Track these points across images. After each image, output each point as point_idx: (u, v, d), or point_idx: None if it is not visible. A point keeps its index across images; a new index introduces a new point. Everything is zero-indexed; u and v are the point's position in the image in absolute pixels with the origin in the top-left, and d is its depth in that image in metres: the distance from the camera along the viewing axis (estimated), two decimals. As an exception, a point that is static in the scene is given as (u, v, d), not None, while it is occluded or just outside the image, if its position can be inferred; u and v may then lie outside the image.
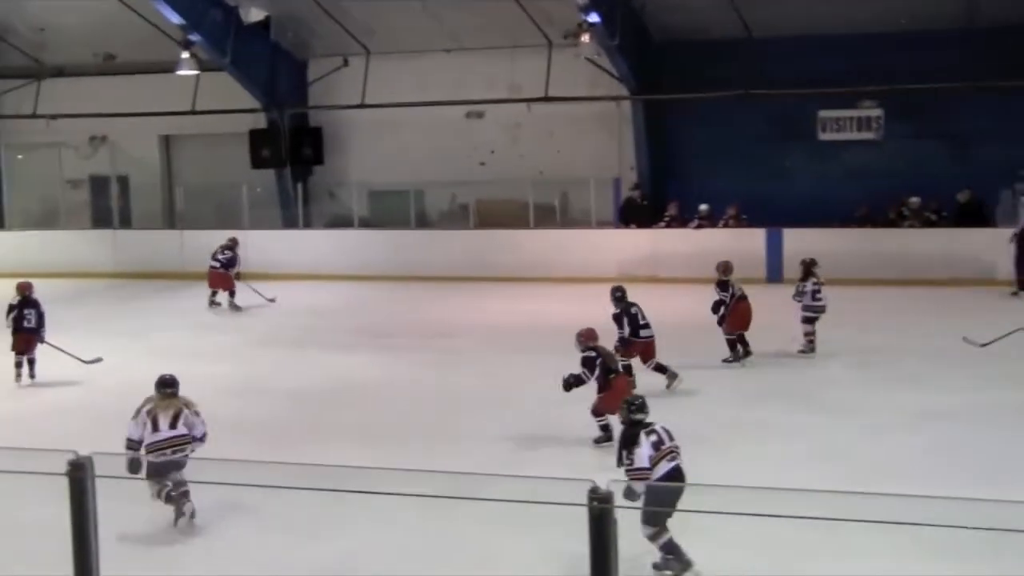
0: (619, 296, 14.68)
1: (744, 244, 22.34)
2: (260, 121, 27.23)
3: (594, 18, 22.25)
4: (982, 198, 22.68)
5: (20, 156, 29.52)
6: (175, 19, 24.25)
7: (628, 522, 5.16)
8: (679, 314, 19.13)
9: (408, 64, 26.34)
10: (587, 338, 12.28)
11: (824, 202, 23.04)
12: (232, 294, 21.70)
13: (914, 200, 22.70)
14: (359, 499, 8.34)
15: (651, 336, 14.51)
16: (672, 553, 8.43)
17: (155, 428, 9.86)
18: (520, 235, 24.70)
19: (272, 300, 21.48)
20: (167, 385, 10.19)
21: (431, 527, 8.90)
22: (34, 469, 10.85)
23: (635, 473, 8.50)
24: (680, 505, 8.12)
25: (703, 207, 23.64)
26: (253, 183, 27.06)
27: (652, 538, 8.36)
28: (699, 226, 23.51)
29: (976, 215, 22.58)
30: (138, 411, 9.99)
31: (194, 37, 24.61)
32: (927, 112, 23.62)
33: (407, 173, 26.47)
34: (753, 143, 24.85)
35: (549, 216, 25.55)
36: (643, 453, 8.56)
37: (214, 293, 21.86)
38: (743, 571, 8.35)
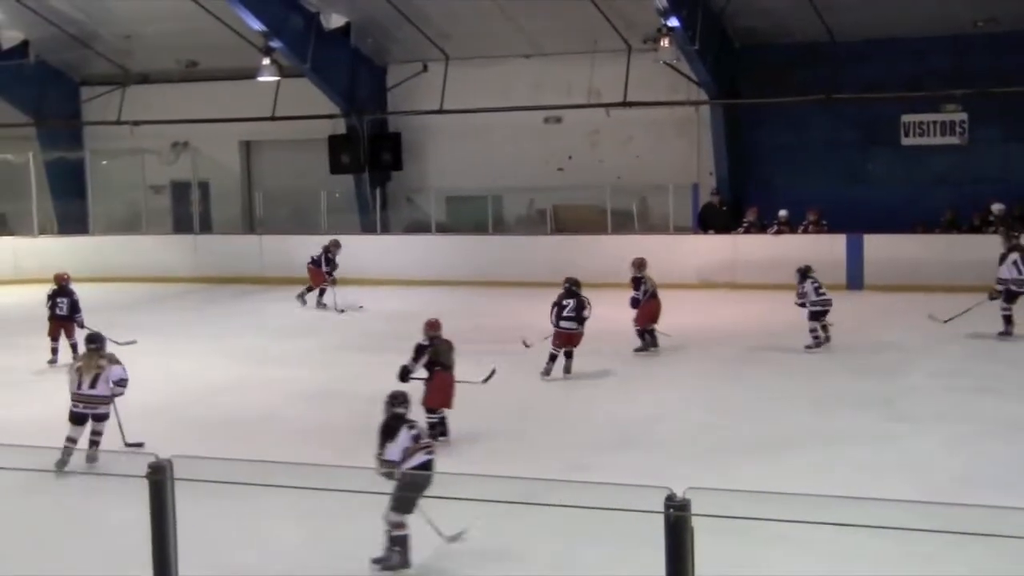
0: (566, 287, 15.78)
1: (824, 250, 22.09)
2: (339, 127, 27.42)
3: (674, 22, 22.09)
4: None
5: (104, 162, 29.92)
6: (256, 26, 24.48)
7: (705, 530, 5.09)
8: (756, 320, 19.02)
9: (487, 70, 26.40)
10: (429, 327, 12.79)
11: (908, 208, 22.77)
12: (322, 292, 22.17)
13: (998, 206, 22.27)
14: (432, 503, 8.39)
15: (573, 329, 15.53)
16: (399, 547, 8.68)
17: (79, 384, 11.76)
18: (598, 241, 24.60)
19: (341, 311, 21.60)
20: (91, 341, 12.21)
21: (504, 532, 8.86)
22: (115, 471, 11.05)
23: (384, 464, 8.97)
24: (757, 513, 8.01)
25: (782, 213, 23.40)
26: (332, 188, 27.30)
27: (393, 526, 8.62)
28: (778, 232, 23.28)
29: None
30: (72, 365, 12.20)
31: (275, 43, 24.82)
32: (1013, 115, 23.23)
33: (485, 179, 26.51)
34: (834, 148, 24.61)
35: (627, 222, 25.42)
36: (399, 445, 8.97)
37: (308, 289, 22.36)
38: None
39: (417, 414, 11.81)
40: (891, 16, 22.82)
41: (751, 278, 22.31)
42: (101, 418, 11.78)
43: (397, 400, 9.35)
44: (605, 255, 23.77)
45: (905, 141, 24.30)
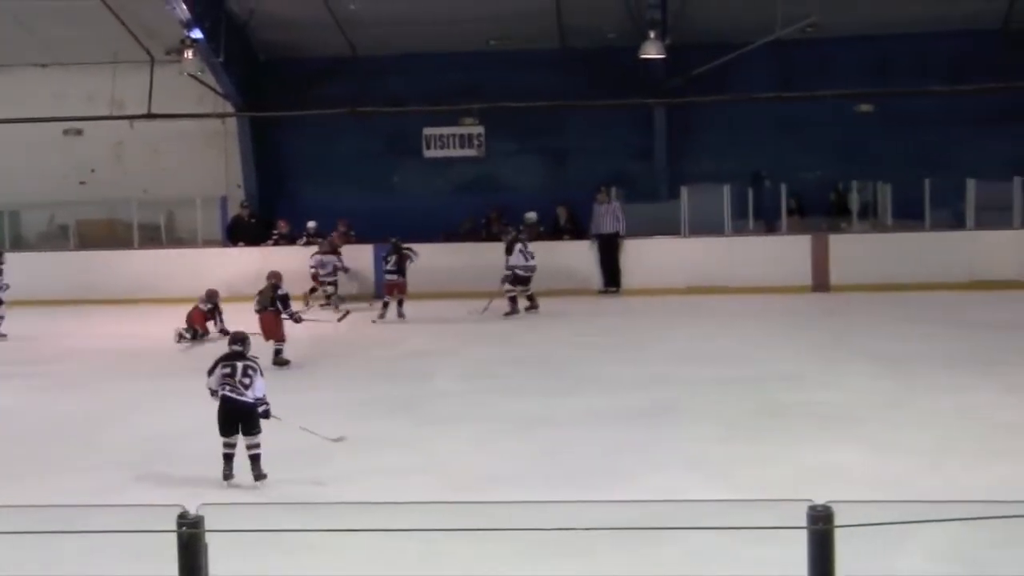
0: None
1: (352, 260, 22.57)
2: None
3: (197, 34, 21.99)
4: (577, 212, 23.76)
5: None
6: None
7: (219, 547, 5.10)
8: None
9: (-1, 79, 25.20)
10: None
11: (432, 217, 23.56)
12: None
13: (530, 215, 23.45)
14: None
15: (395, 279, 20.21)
16: None
17: None
18: (123, 256, 24.03)
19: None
20: None
21: (34, 561, 8.49)
22: None
23: None
24: (281, 524, 8.09)
25: (311, 224, 23.71)
26: None
27: None
28: (308, 243, 23.51)
29: (571, 229, 23.68)
30: None
31: None
32: (526, 129, 24.62)
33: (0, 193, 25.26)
34: (362, 160, 25.22)
35: (155, 236, 24.99)
36: None
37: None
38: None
39: None
40: (409, 33, 23.66)
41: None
42: None
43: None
44: (132, 270, 23.31)
45: (427, 153, 25.29)
